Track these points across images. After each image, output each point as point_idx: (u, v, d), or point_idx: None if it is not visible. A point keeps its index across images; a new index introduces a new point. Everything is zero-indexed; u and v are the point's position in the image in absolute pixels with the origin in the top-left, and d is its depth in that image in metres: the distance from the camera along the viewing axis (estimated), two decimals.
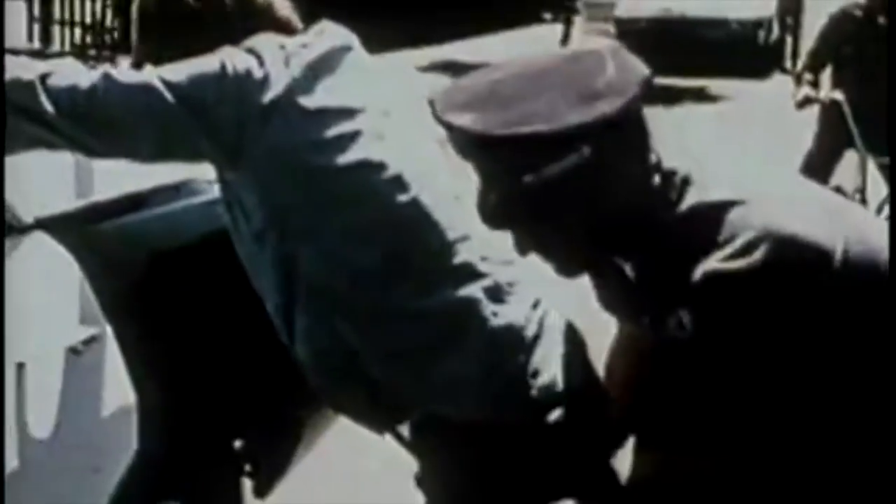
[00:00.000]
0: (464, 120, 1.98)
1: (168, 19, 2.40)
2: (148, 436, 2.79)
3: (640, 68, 2.02)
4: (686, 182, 2.04)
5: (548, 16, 22.71)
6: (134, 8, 2.47)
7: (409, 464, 2.45)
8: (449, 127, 2.01)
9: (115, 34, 15.19)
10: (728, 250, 1.95)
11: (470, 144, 2.00)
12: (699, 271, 1.97)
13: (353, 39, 2.39)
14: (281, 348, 2.42)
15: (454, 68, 16.60)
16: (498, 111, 1.97)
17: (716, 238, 1.97)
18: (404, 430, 2.38)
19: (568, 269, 2.11)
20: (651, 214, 2.03)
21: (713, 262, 1.96)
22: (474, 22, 19.60)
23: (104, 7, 16.41)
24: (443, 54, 17.48)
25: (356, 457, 2.58)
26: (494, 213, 2.04)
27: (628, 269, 2.11)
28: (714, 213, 1.99)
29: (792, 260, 1.92)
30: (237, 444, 3.13)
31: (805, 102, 6.80)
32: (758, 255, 1.92)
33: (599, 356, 2.41)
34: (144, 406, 2.79)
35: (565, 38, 17.53)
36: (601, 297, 2.27)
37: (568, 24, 17.87)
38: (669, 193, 2.03)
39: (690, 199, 2.02)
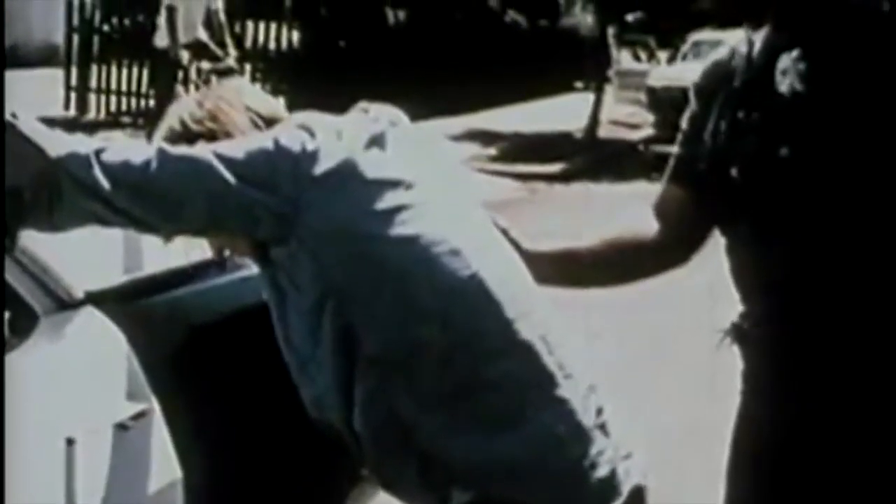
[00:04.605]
0: None
1: None
2: None
3: None
4: None
5: (579, 84, 22.83)
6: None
7: None
8: None
9: (150, 102, 15.33)
10: None
11: None
12: None
13: (400, 116, 2.41)
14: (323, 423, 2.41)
15: (485, 137, 16.69)
16: None
17: None
18: None
19: None
20: None
21: None
22: (506, 91, 19.69)
23: (140, 76, 16.61)
24: (474, 123, 17.57)
25: None
26: None
27: None
28: None
29: None
30: None
31: None
32: None
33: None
34: (189, 481, 2.79)
35: (597, 107, 17.58)
36: None
37: (600, 92, 17.91)
38: None
39: None
